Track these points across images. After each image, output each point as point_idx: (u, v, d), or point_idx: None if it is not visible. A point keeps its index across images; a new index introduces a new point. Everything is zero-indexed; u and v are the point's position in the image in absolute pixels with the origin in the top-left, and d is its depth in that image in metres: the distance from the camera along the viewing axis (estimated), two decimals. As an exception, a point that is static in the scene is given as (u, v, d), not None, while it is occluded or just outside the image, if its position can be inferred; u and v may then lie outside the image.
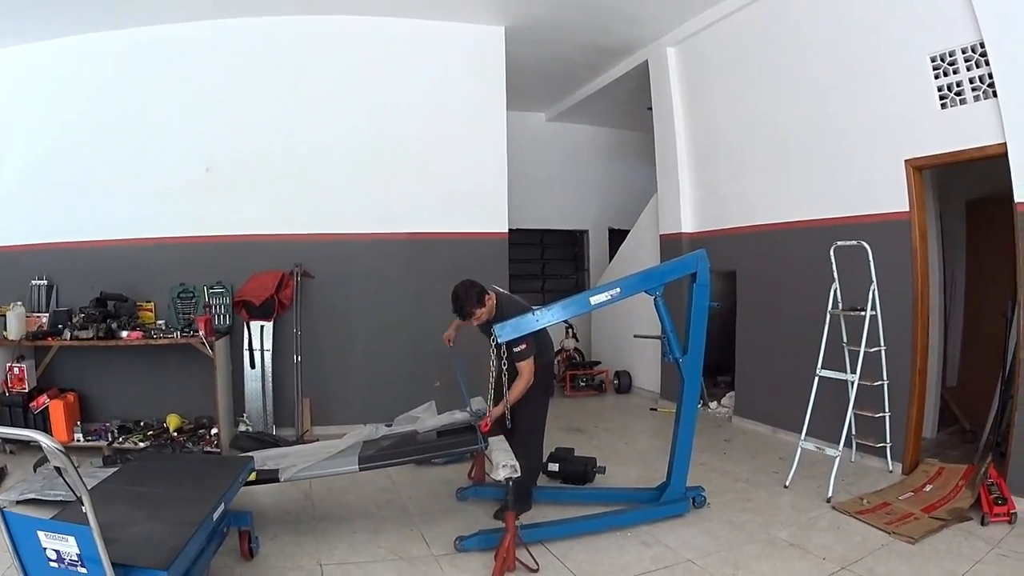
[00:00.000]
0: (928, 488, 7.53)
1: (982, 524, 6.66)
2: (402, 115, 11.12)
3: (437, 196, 11.19)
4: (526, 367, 6.78)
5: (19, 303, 9.66)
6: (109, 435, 9.63)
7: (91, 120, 10.52)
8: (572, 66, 13.45)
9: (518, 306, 7.08)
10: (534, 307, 6.66)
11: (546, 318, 6.40)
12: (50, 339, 9.46)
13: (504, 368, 6.49)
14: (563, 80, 14.47)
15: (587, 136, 17.62)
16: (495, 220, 11.38)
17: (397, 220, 11.08)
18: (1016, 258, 7.13)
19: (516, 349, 6.66)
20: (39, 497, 7.24)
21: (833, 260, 8.17)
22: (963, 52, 7.40)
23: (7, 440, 9.18)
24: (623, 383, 14.27)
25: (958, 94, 7.54)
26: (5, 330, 9.43)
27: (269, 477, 6.54)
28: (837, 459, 7.71)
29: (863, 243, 7.92)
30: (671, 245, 12.24)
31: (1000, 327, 8.67)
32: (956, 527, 6.64)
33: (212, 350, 9.45)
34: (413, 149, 11.12)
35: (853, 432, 8.52)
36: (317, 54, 10.89)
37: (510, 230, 11.60)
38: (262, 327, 10.44)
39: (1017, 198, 6.97)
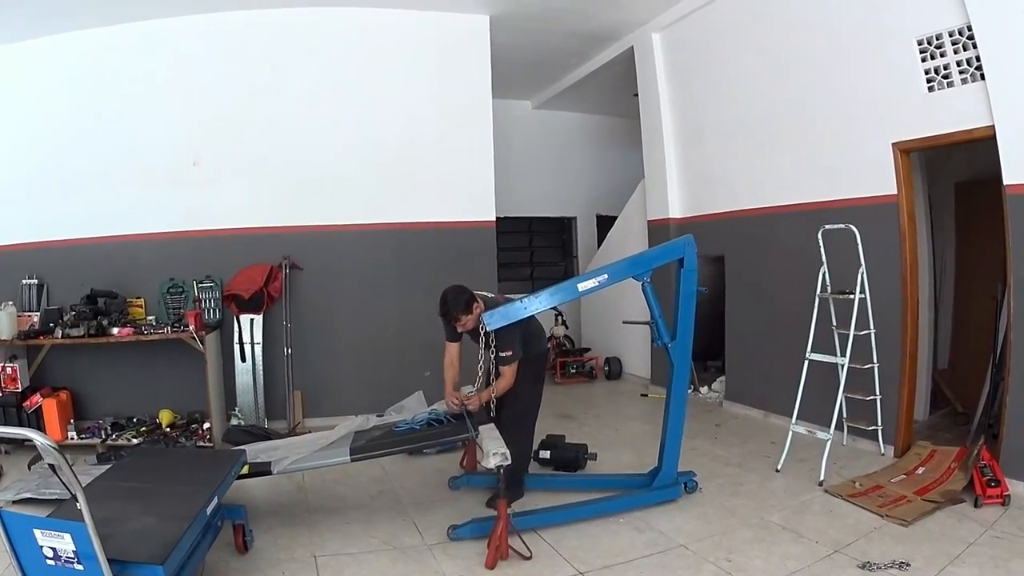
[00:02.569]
0: (920, 471, 7.55)
1: (975, 506, 6.67)
2: (387, 105, 11.11)
3: (424, 186, 11.19)
4: (508, 372, 6.82)
5: (10, 303, 9.63)
6: (102, 432, 9.62)
7: (77, 117, 10.48)
8: (558, 54, 13.45)
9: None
10: (522, 296, 6.63)
11: (534, 305, 6.39)
12: (42, 338, 9.42)
13: (492, 358, 6.54)
14: (549, 68, 14.47)
15: (574, 123, 17.66)
16: (483, 208, 11.39)
17: (384, 210, 11.07)
18: (1006, 240, 7.14)
19: (503, 354, 6.71)
20: (35, 496, 7.25)
21: (821, 244, 8.19)
22: (950, 35, 7.38)
23: (2, 440, 9.16)
24: (613, 369, 14.34)
25: (945, 77, 7.54)
26: (-3, 330, 9.39)
27: (262, 470, 6.54)
28: (828, 442, 7.72)
29: (851, 226, 7.93)
30: (659, 231, 12.26)
31: (990, 309, 8.67)
32: (949, 509, 6.65)
33: (202, 344, 9.45)
34: (399, 139, 11.11)
35: (844, 415, 8.53)
36: (301, 46, 10.86)
37: (498, 218, 11.61)
38: (252, 320, 10.43)
39: (1006, 180, 6.99)
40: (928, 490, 7.03)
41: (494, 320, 6.25)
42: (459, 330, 7.05)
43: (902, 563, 5.62)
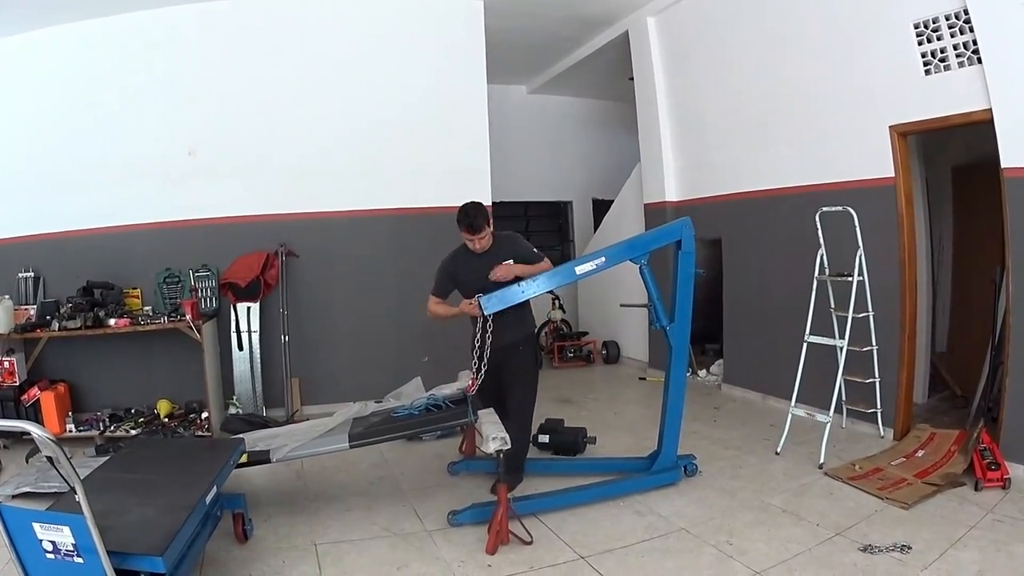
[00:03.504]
0: (920, 453, 7.56)
1: (975, 489, 6.66)
2: (382, 91, 11.10)
3: (419, 171, 11.19)
4: (545, 261, 7.05)
5: (6, 296, 9.59)
6: (100, 424, 9.61)
7: (70, 109, 10.44)
8: (552, 38, 13.43)
9: (512, 235, 7.33)
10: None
11: (532, 289, 6.41)
12: (39, 331, 9.39)
13: (489, 332, 6.53)
14: (544, 52, 14.45)
15: (569, 107, 17.67)
16: (478, 193, 10.80)
17: (380, 196, 11.08)
18: (1003, 223, 7.15)
19: (534, 251, 7.06)
20: (33, 489, 7.26)
21: (819, 226, 8.19)
22: (947, 19, 7.36)
23: (0, 434, 9.16)
24: (611, 353, 14.35)
25: (942, 60, 7.52)
26: (-7, 324, 9.37)
27: (260, 458, 6.55)
28: (828, 425, 7.70)
29: (849, 209, 7.92)
30: (655, 214, 12.28)
31: (989, 293, 8.66)
32: (949, 492, 6.65)
33: (200, 334, 9.44)
34: (394, 125, 11.11)
35: (843, 398, 8.57)
36: (294, 34, 10.83)
37: (494, 203, 11.46)
38: (248, 309, 10.45)
39: (1003, 164, 6.99)
40: (928, 473, 7.03)
41: (492, 304, 6.27)
42: (476, 246, 7.03)
43: (903, 546, 5.63)
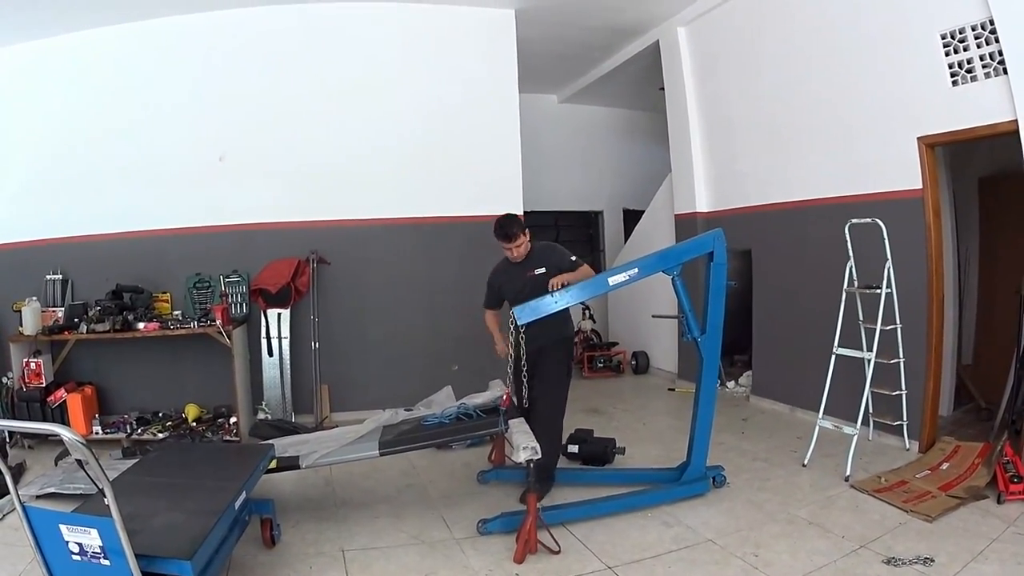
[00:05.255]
0: (945, 466, 7.52)
1: (998, 502, 6.64)
2: (414, 100, 11.13)
3: (451, 180, 11.20)
4: (585, 266, 7.08)
5: (34, 298, 9.67)
6: (127, 427, 9.65)
7: (101, 113, 10.52)
8: (583, 48, 13.44)
9: (549, 245, 7.46)
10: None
11: (564, 300, 6.40)
12: (66, 333, 9.46)
13: (523, 345, 6.55)
14: (575, 62, 14.45)
15: (600, 117, 17.60)
16: (509, 202, 11.19)
17: (411, 205, 11.09)
18: (1029, 234, 7.16)
19: (571, 259, 7.12)
20: (59, 491, 7.30)
21: (848, 238, 8.16)
22: (973, 29, 7.36)
23: (26, 435, 9.22)
24: (640, 364, 14.27)
25: (969, 71, 7.50)
26: (21, 326, 9.45)
27: (290, 464, 6.58)
28: (855, 437, 7.69)
29: (877, 221, 7.89)
30: (686, 225, 12.24)
31: (1014, 304, 8.64)
32: (972, 505, 6.63)
33: (229, 339, 9.48)
34: (426, 134, 11.13)
35: (870, 410, 8.51)
36: (327, 41, 10.88)
37: (525, 212, 11.48)
38: (279, 315, 10.48)
39: (1029, 174, 6.98)
40: (952, 486, 7.01)
41: (525, 314, 6.27)
42: (514, 255, 7.19)
43: (926, 559, 5.62)
